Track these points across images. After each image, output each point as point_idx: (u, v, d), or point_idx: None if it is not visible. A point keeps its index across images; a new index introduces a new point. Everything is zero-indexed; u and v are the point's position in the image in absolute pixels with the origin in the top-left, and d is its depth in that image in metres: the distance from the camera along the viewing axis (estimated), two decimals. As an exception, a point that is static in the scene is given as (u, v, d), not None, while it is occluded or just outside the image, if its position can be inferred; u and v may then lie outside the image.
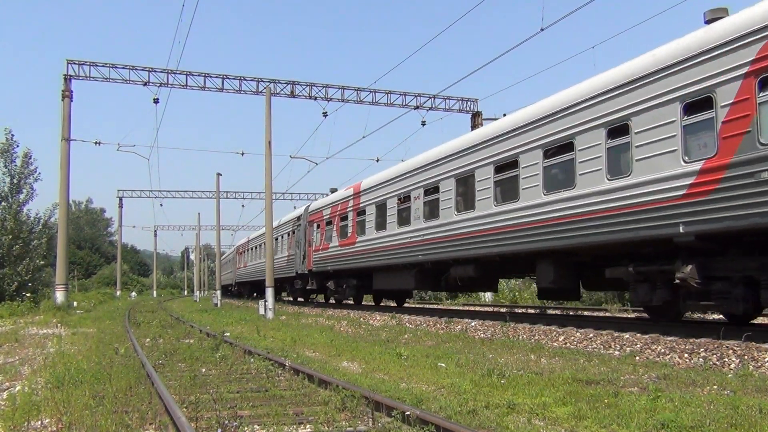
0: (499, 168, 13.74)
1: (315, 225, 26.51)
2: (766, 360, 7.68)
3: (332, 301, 30.45)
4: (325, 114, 31.96)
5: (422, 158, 17.72)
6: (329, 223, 24.73)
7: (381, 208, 19.86)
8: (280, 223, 33.57)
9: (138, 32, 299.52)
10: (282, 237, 32.76)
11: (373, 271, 21.16)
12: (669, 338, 9.64)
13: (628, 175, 10.26)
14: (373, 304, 27.16)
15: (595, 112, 11.06)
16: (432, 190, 16.64)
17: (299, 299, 34.95)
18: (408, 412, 5.18)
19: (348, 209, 22.66)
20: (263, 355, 9.34)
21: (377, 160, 41.88)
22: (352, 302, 27.05)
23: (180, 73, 30.23)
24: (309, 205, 28.67)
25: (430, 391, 6.81)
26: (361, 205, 21.48)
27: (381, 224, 19.73)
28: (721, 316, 13.75)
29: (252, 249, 43.31)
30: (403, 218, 18.18)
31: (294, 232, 29.85)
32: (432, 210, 16.58)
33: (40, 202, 62.30)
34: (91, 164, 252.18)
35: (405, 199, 18.22)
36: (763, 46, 8.26)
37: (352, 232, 21.96)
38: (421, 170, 17.35)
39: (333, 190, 27.39)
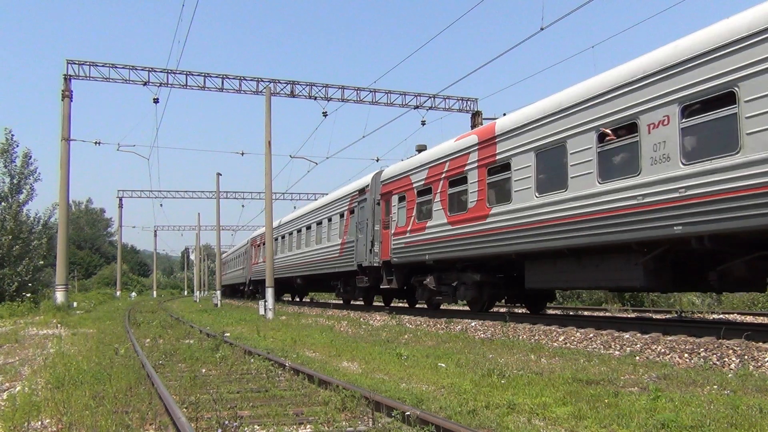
0: None
1: (395, 198, 19.19)
2: (766, 360, 7.69)
3: (401, 303, 24.43)
4: (325, 114, 31.97)
5: (669, 52, 9.92)
6: (424, 192, 17.47)
7: (550, 155, 12.54)
8: (328, 201, 26.49)
9: (138, 32, 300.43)
10: (330, 220, 25.34)
11: (525, 259, 13.89)
12: (669, 338, 9.66)
13: None
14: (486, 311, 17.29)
15: None
16: (705, 105, 9.28)
17: (355, 302, 26.90)
18: (408, 412, 5.18)
19: (467, 167, 15.29)
20: (263, 356, 9.34)
21: (377, 160, 41.82)
22: (466, 309, 18.54)
23: (180, 73, 30.24)
24: (381, 172, 20.84)
25: (430, 391, 6.81)
26: (498, 157, 14.15)
27: (551, 182, 12.49)
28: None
29: (281, 238, 34.02)
30: (615, 166, 10.90)
31: (353, 212, 22.48)
32: (710, 141, 9.22)
33: (40, 202, 62.56)
34: (91, 164, 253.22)
35: (621, 131, 10.75)
36: None
37: (479, 200, 14.75)
38: (673, 72, 9.70)
39: (421, 149, 19.69)
